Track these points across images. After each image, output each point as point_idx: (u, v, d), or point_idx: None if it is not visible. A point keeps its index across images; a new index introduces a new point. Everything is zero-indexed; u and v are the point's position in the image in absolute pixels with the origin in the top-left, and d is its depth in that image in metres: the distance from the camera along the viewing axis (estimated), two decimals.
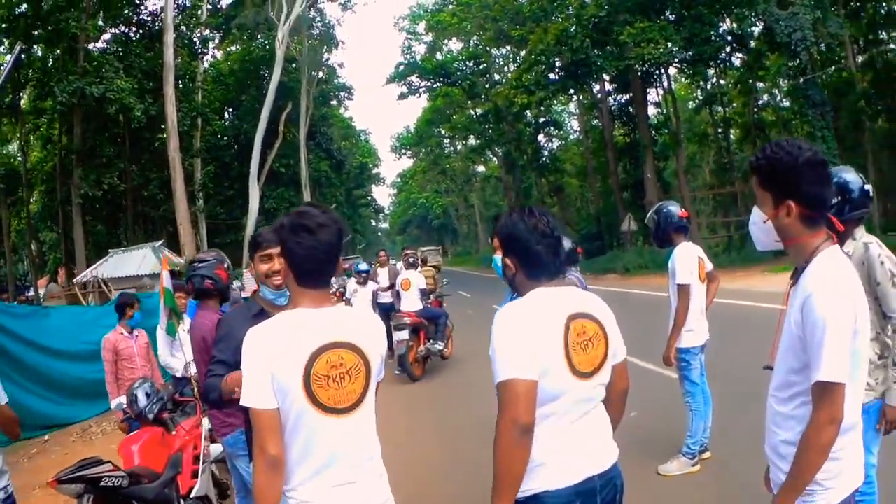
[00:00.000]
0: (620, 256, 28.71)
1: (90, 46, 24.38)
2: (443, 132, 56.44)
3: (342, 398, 1.98)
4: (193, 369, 4.44)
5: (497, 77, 43.59)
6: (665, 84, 31.90)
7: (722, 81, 32.63)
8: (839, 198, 2.79)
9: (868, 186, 2.90)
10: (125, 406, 4.79)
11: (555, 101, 39.61)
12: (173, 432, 4.36)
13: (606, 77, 31.13)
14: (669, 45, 24.00)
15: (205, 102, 30.20)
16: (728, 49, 27.74)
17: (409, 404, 8.37)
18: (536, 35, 27.59)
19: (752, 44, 26.45)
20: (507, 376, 1.89)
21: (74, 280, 20.81)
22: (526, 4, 30.83)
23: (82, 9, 22.10)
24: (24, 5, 21.05)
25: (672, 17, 25.55)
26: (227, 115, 37.22)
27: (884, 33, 27.09)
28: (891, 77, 25.46)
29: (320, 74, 37.98)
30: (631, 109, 32.02)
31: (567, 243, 5.16)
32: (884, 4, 25.96)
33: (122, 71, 22.26)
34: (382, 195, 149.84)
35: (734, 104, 33.67)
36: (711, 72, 30.69)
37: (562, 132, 50.20)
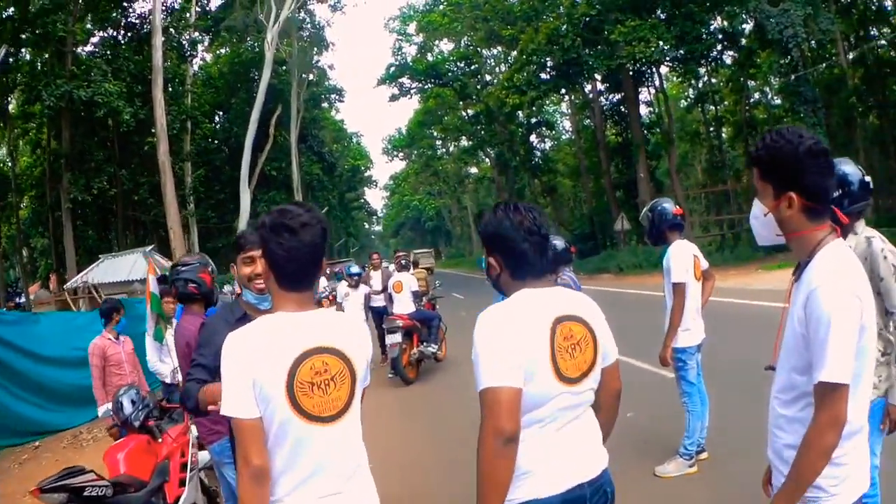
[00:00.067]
0: (614, 256, 28.79)
1: (78, 50, 24.24)
2: (435, 134, 56.38)
3: (327, 406, 1.90)
4: (181, 375, 4.36)
5: (488, 78, 43.66)
6: (657, 83, 32.02)
7: (713, 80, 32.76)
8: (838, 191, 2.71)
9: (868, 178, 2.82)
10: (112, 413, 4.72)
11: (546, 102, 39.70)
12: (160, 440, 4.31)
13: (598, 76, 31.19)
14: (661, 43, 24.08)
15: (194, 106, 30.02)
16: (719, 47, 27.88)
17: (403, 408, 8.33)
18: (527, 35, 27.62)
19: (744, 41, 26.56)
20: (490, 384, 1.80)
21: (65, 286, 20.65)
22: (517, 4, 30.89)
23: (69, 12, 21.94)
24: (11, 8, 20.86)
25: (663, 16, 25.62)
26: (217, 119, 37.07)
27: (874, 29, 27.21)
28: (881, 73, 25.63)
29: (311, 76, 37.93)
30: (623, 109, 32.13)
31: (560, 243, 5.14)
32: (874, 0, 26.06)
33: (110, 74, 22.07)
34: (375, 198, 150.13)
35: (726, 102, 33.85)
36: (703, 70, 30.82)
37: (554, 132, 50.35)
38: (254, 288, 2.93)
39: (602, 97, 34.51)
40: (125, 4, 26.55)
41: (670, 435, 5.15)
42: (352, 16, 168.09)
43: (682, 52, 24.99)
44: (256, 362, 1.83)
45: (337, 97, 45.13)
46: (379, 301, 11.10)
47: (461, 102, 45.69)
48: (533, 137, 44.07)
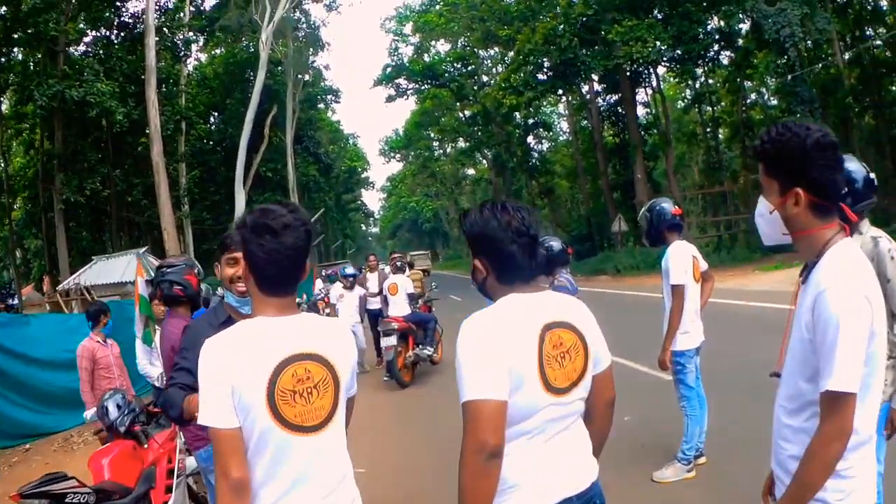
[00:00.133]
0: (611, 257, 28.80)
1: (71, 49, 24.09)
2: (432, 135, 56.42)
3: (310, 415, 1.81)
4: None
5: (485, 78, 43.65)
6: (654, 83, 32.06)
7: (710, 80, 32.77)
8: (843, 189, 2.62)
9: (872, 176, 2.73)
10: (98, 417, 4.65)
11: (544, 102, 39.68)
12: (146, 445, 4.22)
13: (595, 77, 31.23)
14: (658, 43, 24.11)
15: (189, 106, 29.89)
16: (716, 47, 27.88)
17: (398, 411, 8.25)
18: (524, 35, 27.60)
19: (740, 41, 26.57)
20: (473, 396, 1.70)
21: (57, 288, 20.51)
22: (513, 4, 30.95)
23: (62, 11, 21.82)
24: (3, 7, 20.74)
25: (660, 16, 25.68)
26: (212, 119, 36.96)
27: (870, 29, 27.25)
28: (877, 73, 25.66)
29: (306, 77, 37.87)
30: (620, 109, 32.15)
31: (557, 244, 5.07)
32: (870, 0, 26.09)
33: (102, 74, 21.93)
34: (372, 199, 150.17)
35: (723, 103, 33.86)
36: (700, 71, 30.84)
37: (551, 133, 50.35)
38: (235, 290, 2.83)
39: (599, 98, 34.54)
40: (118, 4, 26.41)
41: (668, 439, 5.08)
42: (347, 16, 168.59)
43: (678, 52, 25.02)
44: (235, 369, 1.73)
45: (333, 98, 45.21)
46: (375, 303, 11.02)
47: (458, 103, 45.70)
48: (530, 139, 44.14)
